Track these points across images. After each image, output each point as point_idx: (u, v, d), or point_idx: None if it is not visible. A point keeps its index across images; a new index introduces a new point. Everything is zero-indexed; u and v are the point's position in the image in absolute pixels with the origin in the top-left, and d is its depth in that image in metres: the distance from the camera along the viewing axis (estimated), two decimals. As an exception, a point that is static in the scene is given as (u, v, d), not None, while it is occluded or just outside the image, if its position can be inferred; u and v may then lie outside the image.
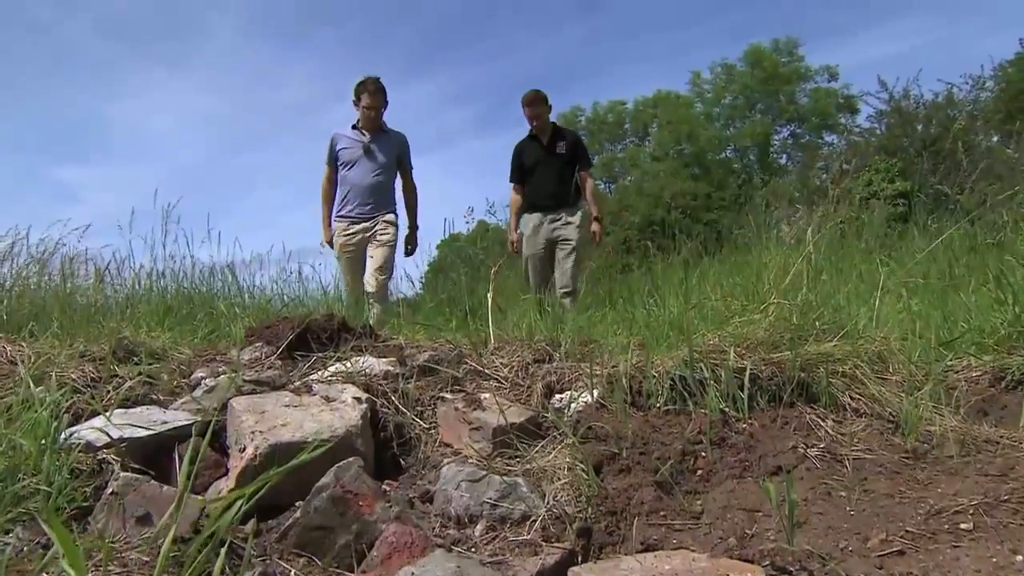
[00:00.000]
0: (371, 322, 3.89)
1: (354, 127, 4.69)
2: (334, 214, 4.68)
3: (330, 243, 4.67)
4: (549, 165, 4.89)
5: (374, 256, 4.53)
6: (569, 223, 4.80)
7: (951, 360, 2.17)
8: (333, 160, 4.72)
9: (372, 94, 4.62)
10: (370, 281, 4.42)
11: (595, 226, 4.88)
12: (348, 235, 4.59)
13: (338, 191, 4.70)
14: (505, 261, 4.49)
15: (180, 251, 4.19)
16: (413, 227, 4.87)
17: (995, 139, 12.35)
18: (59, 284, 3.55)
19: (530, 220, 4.92)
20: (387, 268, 4.51)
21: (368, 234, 4.57)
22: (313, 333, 2.43)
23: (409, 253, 4.88)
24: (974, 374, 2.09)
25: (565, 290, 4.67)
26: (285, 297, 4.32)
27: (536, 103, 4.92)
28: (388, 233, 4.57)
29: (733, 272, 4.26)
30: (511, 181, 5.13)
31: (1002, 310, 2.40)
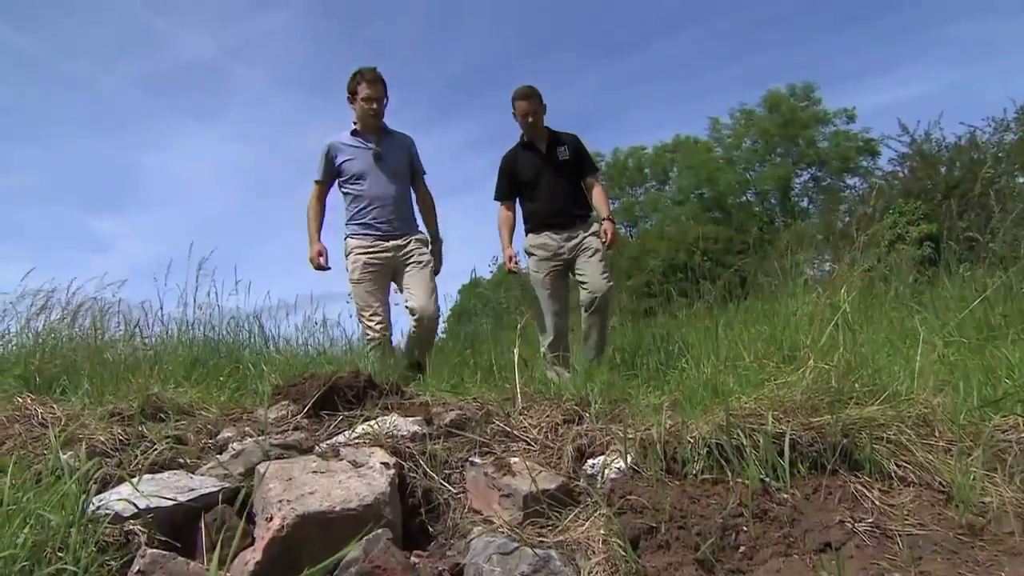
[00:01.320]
0: (413, 350, 3.63)
1: (353, 133, 3.87)
2: (350, 230, 3.87)
3: (317, 260, 3.79)
4: (553, 176, 4.03)
5: (419, 281, 3.74)
6: (588, 235, 3.98)
7: (997, 419, 2.08)
8: (330, 175, 3.89)
9: (372, 83, 3.78)
10: (417, 304, 3.65)
11: (606, 225, 3.96)
12: (375, 251, 3.77)
13: (349, 207, 3.89)
14: (532, 314, 4.26)
15: (209, 301, 4.26)
16: (436, 239, 4.04)
17: (1021, 180, 12.21)
18: (90, 336, 3.61)
19: (538, 242, 4.03)
20: (431, 289, 3.77)
21: (400, 254, 3.80)
22: (339, 391, 2.42)
23: (433, 273, 3.98)
24: (1023, 435, 1.99)
25: (595, 298, 3.78)
26: (310, 347, 4.33)
27: (532, 98, 4.02)
28: (426, 254, 3.85)
29: (760, 320, 4.19)
30: (497, 199, 4.19)
31: (1048, 366, 2.32)
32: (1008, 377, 2.48)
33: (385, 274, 3.82)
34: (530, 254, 4.10)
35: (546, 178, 4.04)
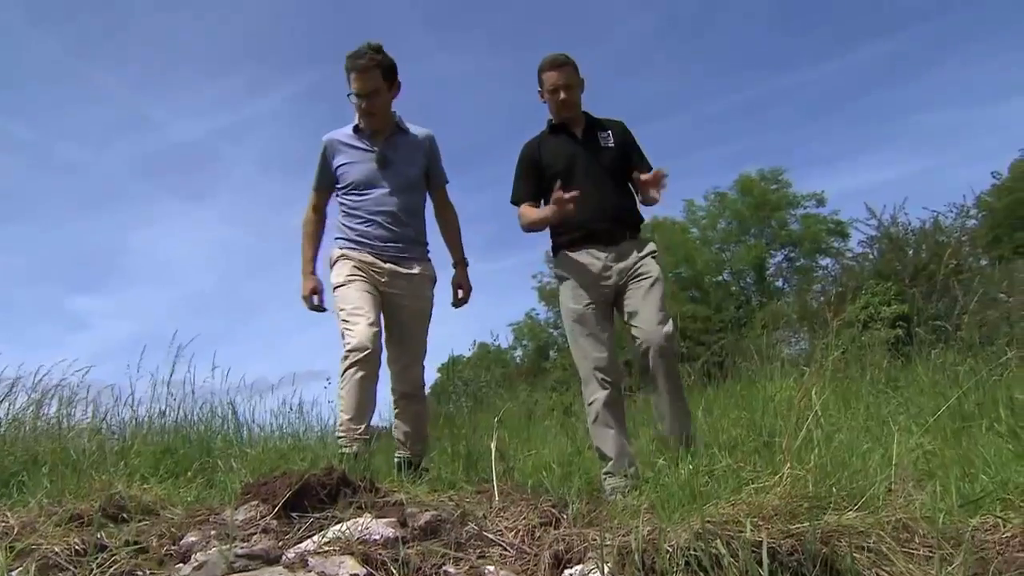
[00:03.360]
0: (401, 429, 3.12)
1: (356, 129, 3.11)
2: (340, 246, 3.12)
3: (311, 297, 3.12)
4: (594, 166, 2.99)
5: (402, 335, 3.06)
6: (642, 257, 2.98)
7: (976, 521, 2.08)
8: (328, 182, 3.17)
9: (362, 73, 2.93)
10: (400, 378, 3.04)
11: (656, 172, 2.91)
12: (365, 263, 3.03)
13: (342, 222, 3.14)
14: (514, 402, 4.18)
15: (183, 388, 4.19)
16: (461, 261, 3.32)
17: (983, 262, 12.67)
18: (54, 427, 3.50)
19: (576, 262, 2.98)
20: (421, 354, 3.11)
21: (395, 285, 3.04)
22: (311, 490, 2.35)
23: (460, 302, 3.30)
24: (1004, 536, 1.99)
25: (648, 349, 2.79)
26: (284, 432, 4.24)
27: (566, 67, 2.99)
28: (426, 296, 3.13)
29: (739, 405, 4.21)
30: (515, 202, 3.14)
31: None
32: (985, 472, 2.49)
33: (375, 282, 3.03)
34: (562, 279, 3.08)
35: (584, 168, 2.99)
